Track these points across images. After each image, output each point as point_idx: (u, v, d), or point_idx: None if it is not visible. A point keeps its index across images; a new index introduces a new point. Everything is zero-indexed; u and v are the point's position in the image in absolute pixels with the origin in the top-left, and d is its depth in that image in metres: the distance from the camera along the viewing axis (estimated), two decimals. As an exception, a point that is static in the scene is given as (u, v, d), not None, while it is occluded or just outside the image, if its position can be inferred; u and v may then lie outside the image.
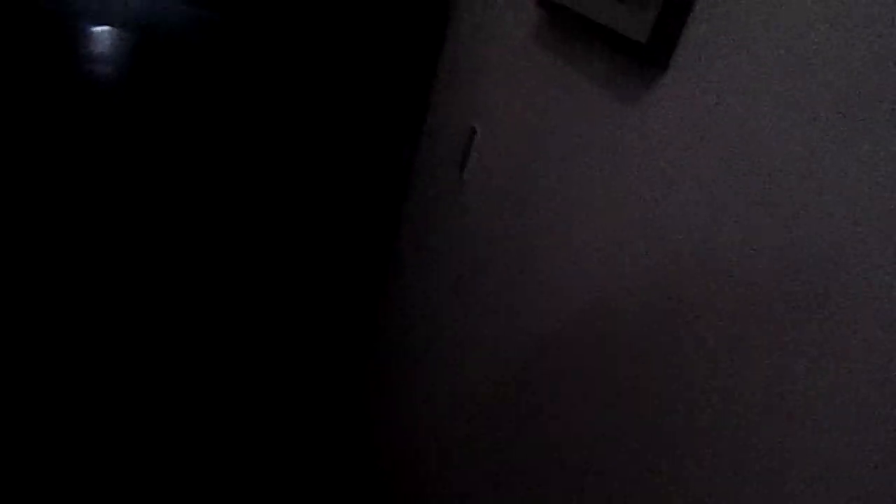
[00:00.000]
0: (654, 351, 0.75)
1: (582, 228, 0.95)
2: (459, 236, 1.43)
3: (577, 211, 0.97)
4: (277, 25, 1.84)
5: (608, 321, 0.86)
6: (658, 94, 0.80)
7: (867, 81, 0.54)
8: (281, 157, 1.97)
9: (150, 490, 1.89)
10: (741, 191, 0.65)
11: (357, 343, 2.18)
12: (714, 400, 0.65)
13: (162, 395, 2.12)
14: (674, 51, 0.78)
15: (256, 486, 2.00)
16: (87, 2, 2.75)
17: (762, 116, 0.64)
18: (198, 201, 2.07)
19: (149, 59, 2.31)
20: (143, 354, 2.10)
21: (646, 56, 0.81)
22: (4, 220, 1.94)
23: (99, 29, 2.93)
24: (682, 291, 0.72)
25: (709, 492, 0.64)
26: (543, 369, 1.02)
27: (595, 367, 0.88)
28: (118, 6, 2.70)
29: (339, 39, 1.78)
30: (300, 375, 2.23)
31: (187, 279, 2.08)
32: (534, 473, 1.01)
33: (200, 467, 1.99)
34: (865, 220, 0.52)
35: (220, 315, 2.12)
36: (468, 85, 1.45)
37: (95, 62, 2.74)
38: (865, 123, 0.54)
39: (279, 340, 2.16)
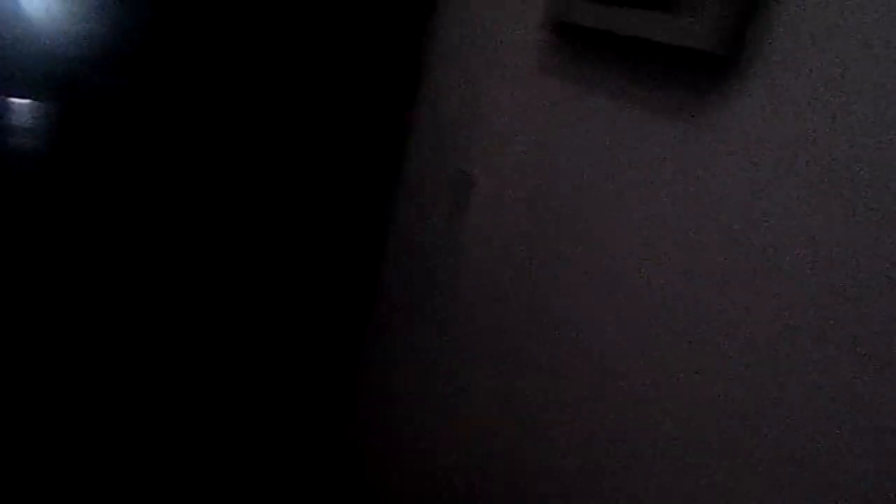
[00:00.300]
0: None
1: (636, 273, 0.83)
2: (455, 284, 1.29)
3: (628, 254, 0.85)
4: (210, 75, 1.70)
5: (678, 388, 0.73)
6: (732, 107, 0.70)
7: None
8: (229, 213, 1.80)
9: (133, 490, 1.84)
10: (858, 207, 0.54)
11: (342, 365, 2.01)
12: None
13: (144, 399, 1.99)
14: (747, 54, 0.69)
15: (239, 491, 1.95)
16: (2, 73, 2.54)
17: (866, 118, 0.55)
18: (140, 268, 1.88)
19: (70, 130, 2.16)
20: (127, 366, 1.95)
21: (714, 67, 0.71)
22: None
23: (16, 101, 2.72)
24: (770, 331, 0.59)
25: None
26: (559, 428, 0.88)
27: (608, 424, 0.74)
28: (34, 77, 2.52)
29: (284, 86, 1.65)
30: (282, 405, 2.08)
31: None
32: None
33: (185, 470, 1.94)
34: None
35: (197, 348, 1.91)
36: (456, 128, 1.33)
37: (13, 135, 2.53)
38: None
39: (260, 372, 2.01)
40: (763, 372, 0.66)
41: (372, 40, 1.54)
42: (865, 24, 0.58)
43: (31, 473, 1.81)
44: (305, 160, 1.71)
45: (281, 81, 1.65)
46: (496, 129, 1.17)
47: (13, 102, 2.69)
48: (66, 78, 2.24)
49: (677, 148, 0.78)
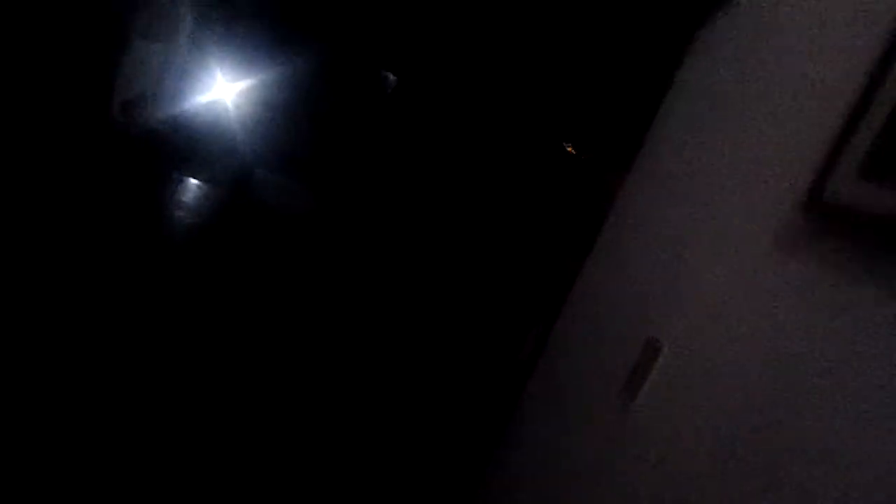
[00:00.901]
0: None
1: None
2: (619, 481, 1.07)
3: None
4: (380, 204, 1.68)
5: None
6: None
7: None
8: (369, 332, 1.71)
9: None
10: None
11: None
12: None
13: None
14: None
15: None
16: (185, 154, 2.76)
17: None
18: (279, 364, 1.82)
19: (232, 219, 2.27)
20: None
21: None
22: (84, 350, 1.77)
23: (192, 181, 2.90)
24: None
25: None
26: None
27: None
28: (213, 167, 2.71)
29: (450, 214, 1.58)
30: None
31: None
32: None
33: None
34: None
35: None
36: (648, 285, 1.16)
37: (182, 210, 2.68)
38: None
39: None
40: None
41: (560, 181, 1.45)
42: None
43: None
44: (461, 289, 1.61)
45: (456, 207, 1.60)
46: (705, 303, 0.99)
47: (188, 182, 2.87)
48: (236, 169, 2.37)
49: None
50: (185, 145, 2.85)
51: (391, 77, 2.57)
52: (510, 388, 1.58)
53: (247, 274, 1.94)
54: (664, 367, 1.05)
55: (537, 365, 1.56)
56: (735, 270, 0.94)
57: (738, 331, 0.90)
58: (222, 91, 3.09)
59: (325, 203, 1.80)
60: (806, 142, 0.85)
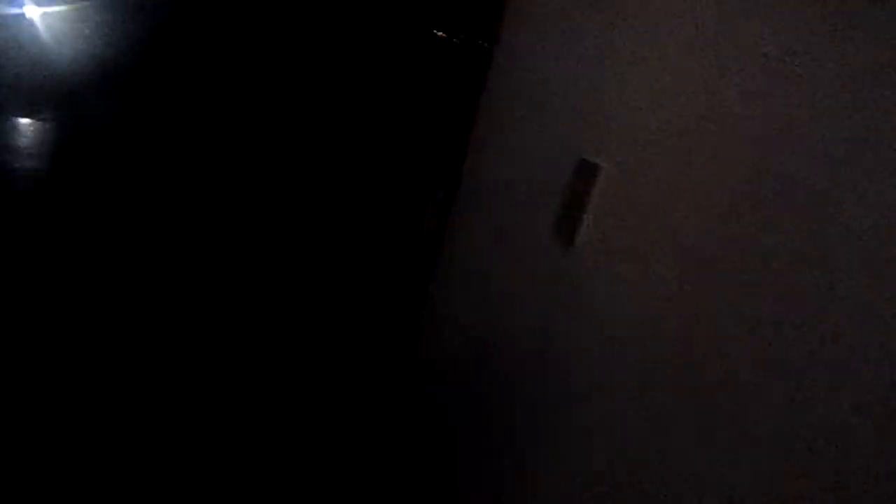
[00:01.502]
0: None
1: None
2: (559, 330, 0.95)
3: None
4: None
5: None
6: None
7: None
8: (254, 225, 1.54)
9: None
10: None
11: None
12: None
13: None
14: None
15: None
16: (6, 94, 2.35)
17: None
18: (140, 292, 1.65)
19: (68, 151, 2.02)
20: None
21: None
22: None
23: (20, 120, 2.49)
24: None
25: None
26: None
27: None
28: (38, 99, 2.31)
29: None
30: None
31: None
32: None
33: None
34: None
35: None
36: (574, 92, 1.01)
37: (12, 154, 2.31)
38: None
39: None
40: None
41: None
42: None
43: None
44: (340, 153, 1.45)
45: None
46: (650, 100, 0.84)
47: (18, 122, 2.47)
48: (64, 98, 2.08)
49: None
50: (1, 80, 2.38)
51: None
52: (423, 259, 1.45)
53: (102, 206, 1.67)
54: (609, 196, 0.91)
55: (448, 231, 1.41)
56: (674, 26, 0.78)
57: (703, 125, 0.76)
58: (30, 14, 2.57)
59: (172, 111, 1.54)
60: None
